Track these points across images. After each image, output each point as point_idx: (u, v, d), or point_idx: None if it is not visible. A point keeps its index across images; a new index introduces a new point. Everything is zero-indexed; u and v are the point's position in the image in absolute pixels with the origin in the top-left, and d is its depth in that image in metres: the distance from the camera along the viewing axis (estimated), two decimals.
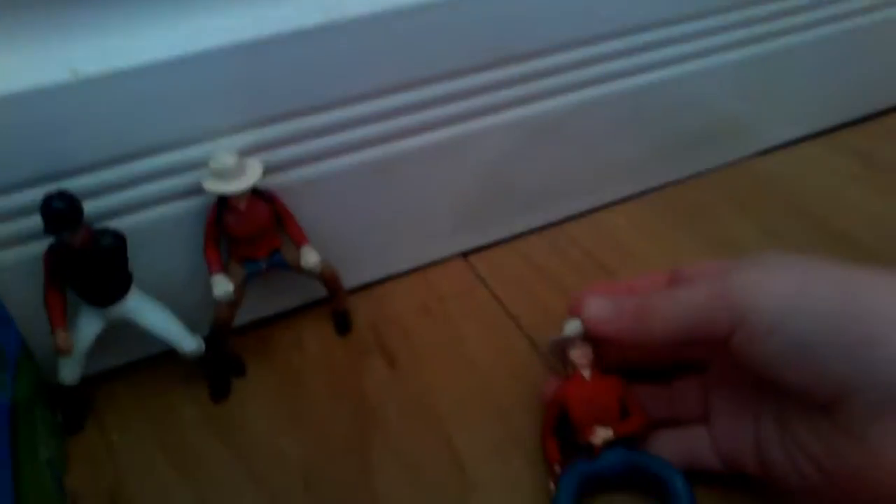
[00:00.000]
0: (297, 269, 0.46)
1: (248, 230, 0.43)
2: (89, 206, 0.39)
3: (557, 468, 0.38)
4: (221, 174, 0.41)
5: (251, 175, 0.41)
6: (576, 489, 0.37)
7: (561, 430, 0.39)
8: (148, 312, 0.42)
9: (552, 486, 0.37)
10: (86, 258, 0.39)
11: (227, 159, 0.41)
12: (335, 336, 0.50)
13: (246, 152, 0.43)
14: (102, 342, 0.43)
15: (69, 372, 0.42)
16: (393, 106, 0.46)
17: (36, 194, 0.38)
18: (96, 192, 0.40)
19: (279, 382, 0.47)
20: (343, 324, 0.50)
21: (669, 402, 0.40)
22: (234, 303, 0.44)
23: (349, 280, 0.50)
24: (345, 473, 0.42)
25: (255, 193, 0.43)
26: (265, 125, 0.43)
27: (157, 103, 0.40)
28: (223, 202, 0.42)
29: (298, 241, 0.45)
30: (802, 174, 0.62)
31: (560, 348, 0.41)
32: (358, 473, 0.42)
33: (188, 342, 0.43)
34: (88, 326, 0.42)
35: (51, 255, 0.39)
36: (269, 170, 0.43)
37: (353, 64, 0.43)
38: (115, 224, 0.41)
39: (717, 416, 0.38)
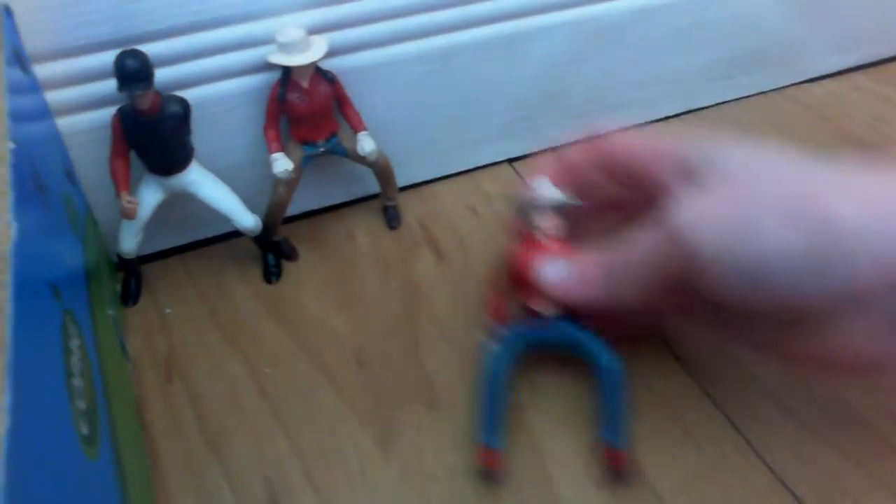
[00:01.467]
0: (353, 155, 0.46)
1: (309, 109, 0.43)
2: (158, 75, 0.39)
3: (500, 330, 0.39)
4: (288, 47, 0.41)
5: (317, 50, 0.42)
6: (514, 355, 0.38)
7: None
8: (208, 186, 0.43)
9: (487, 338, 0.38)
10: (153, 122, 0.39)
11: (295, 32, 0.41)
12: (385, 229, 0.51)
13: (311, 31, 0.43)
14: (157, 223, 0.44)
15: (128, 242, 0.43)
16: None
17: (109, 58, 0.38)
18: (166, 61, 0.41)
19: (330, 268, 0.48)
20: (393, 217, 0.50)
21: None
22: (291, 183, 0.45)
23: (399, 179, 0.50)
24: (396, 352, 0.42)
25: (318, 72, 0.43)
26: (331, 4, 0.43)
27: None
28: (286, 80, 0.43)
29: (356, 126, 0.45)
30: (851, 102, 0.61)
31: (527, 211, 0.39)
32: (408, 353, 0.42)
33: (247, 218, 0.44)
34: (150, 196, 0.42)
35: (120, 118, 0.39)
36: (330, 52, 0.43)
37: None
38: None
39: None
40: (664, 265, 0.32)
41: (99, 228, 0.44)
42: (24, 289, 0.22)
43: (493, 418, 0.37)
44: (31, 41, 0.37)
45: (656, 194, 0.35)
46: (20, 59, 0.33)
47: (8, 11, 0.33)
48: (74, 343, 0.27)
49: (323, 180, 0.50)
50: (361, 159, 0.46)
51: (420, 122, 0.51)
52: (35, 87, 0.36)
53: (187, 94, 0.42)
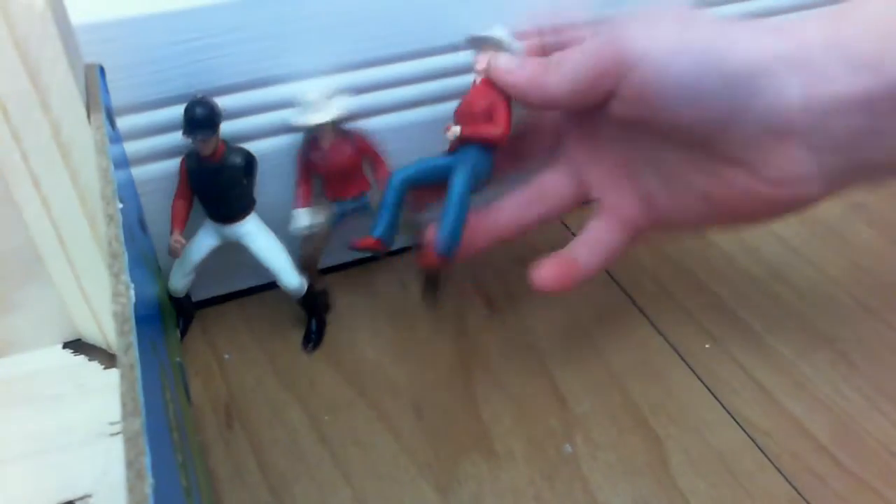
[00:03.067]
0: None
1: (329, 168, 0.43)
2: (226, 127, 0.40)
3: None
4: (308, 107, 0.42)
5: (333, 110, 0.42)
6: (412, 175, 0.41)
7: None
8: (261, 240, 0.43)
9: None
10: (214, 170, 0.40)
11: (311, 93, 0.41)
12: None
13: (366, 90, 0.44)
14: (215, 268, 0.45)
15: (178, 281, 0.44)
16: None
17: (180, 111, 0.39)
18: (233, 114, 0.42)
19: (384, 316, 0.49)
20: (432, 283, 0.50)
21: (539, 198, 0.43)
22: (317, 241, 0.45)
23: None
24: (452, 402, 0.43)
25: (342, 134, 0.43)
26: (362, 69, 0.44)
27: (285, 36, 0.41)
28: (312, 138, 0.43)
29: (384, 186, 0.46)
30: None
31: (475, 48, 0.41)
32: (465, 405, 0.43)
33: (291, 278, 0.44)
34: (205, 240, 0.43)
35: (185, 161, 0.41)
36: (369, 112, 0.45)
37: (448, 14, 0.44)
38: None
39: (602, 193, 0.41)
40: (602, 65, 0.35)
41: (163, 275, 0.44)
42: (141, 347, 0.23)
43: (389, 217, 0.41)
44: (114, 96, 0.38)
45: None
46: (109, 115, 0.34)
47: (102, 71, 0.34)
48: (168, 395, 0.28)
49: None
50: None
51: None
52: (119, 140, 0.38)
53: (252, 146, 0.43)
